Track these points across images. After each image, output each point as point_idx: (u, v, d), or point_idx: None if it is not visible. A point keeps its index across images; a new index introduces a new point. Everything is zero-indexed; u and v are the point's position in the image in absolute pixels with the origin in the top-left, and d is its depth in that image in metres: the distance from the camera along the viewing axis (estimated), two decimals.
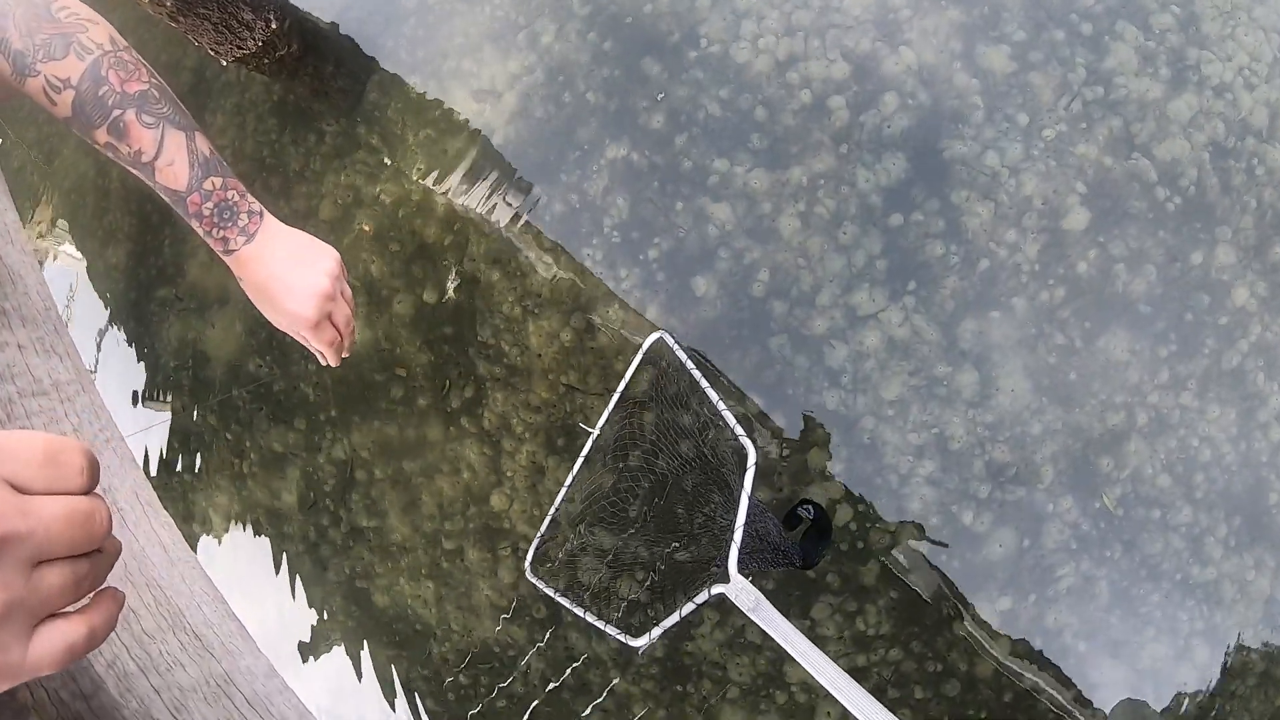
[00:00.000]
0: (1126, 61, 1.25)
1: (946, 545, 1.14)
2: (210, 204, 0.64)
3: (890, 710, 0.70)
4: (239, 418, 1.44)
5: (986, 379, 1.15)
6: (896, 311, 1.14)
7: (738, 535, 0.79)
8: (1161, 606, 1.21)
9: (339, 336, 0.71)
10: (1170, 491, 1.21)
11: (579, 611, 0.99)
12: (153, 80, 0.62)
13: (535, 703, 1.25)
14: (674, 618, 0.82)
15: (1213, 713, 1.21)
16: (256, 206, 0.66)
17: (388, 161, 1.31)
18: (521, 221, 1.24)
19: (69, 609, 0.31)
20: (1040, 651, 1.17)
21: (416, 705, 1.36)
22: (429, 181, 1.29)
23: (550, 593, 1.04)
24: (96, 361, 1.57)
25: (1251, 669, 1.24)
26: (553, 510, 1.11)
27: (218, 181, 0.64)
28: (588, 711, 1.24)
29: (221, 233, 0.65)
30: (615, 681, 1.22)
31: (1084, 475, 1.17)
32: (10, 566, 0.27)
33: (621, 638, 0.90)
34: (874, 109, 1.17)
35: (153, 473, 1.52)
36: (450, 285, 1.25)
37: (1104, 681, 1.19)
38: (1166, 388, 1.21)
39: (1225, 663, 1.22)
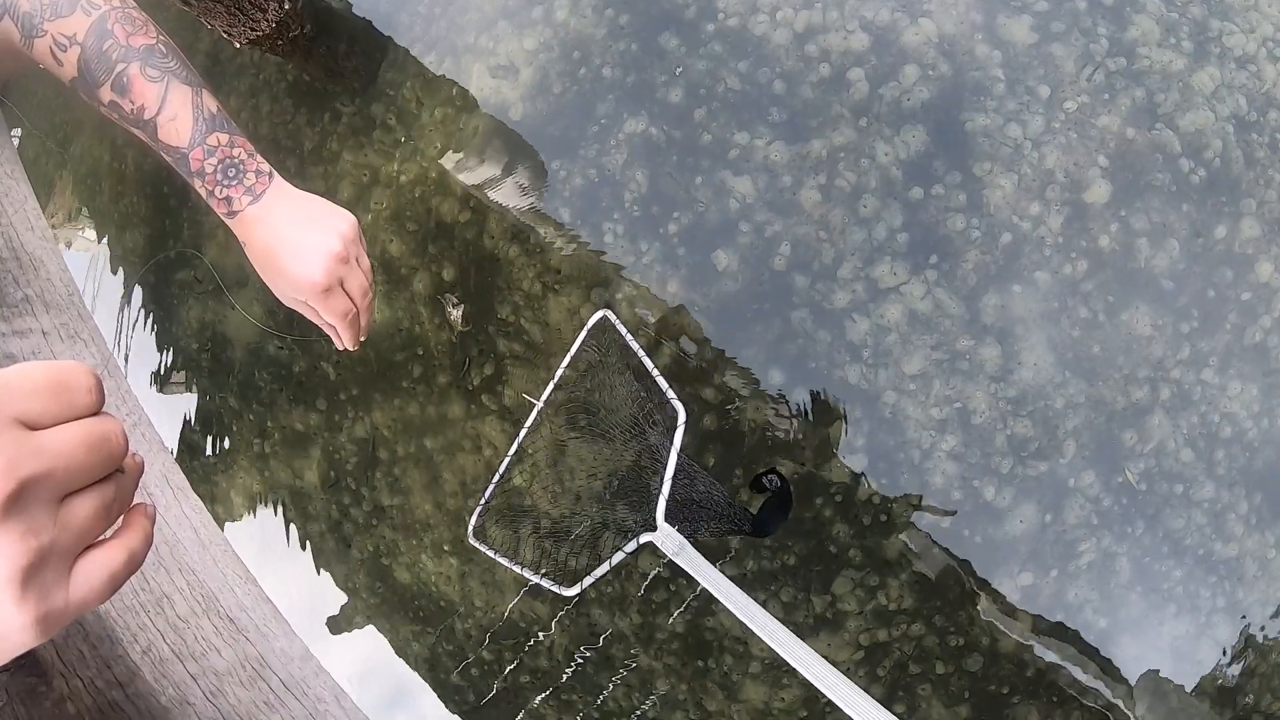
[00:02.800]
0: (1149, 32, 1.23)
1: (969, 520, 1.14)
2: (214, 160, 0.60)
3: (820, 656, 0.73)
4: (260, 398, 1.45)
5: (1009, 353, 1.14)
6: (918, 285, 1.13)
7: (665, 488, 0.85)
8: (1183, 583, 1.21)
9: (353, 307, 0.66)
10: (1193, 467, 1.20)
11: (516, 569, 1.04)
12: (160, 37, 0.61)
13: (559, 677, 1.26)
14: (604, 567, 0.87)
15: (1235, 691, 1.21)
16: (265, 167, 0.62)
17: (404, 140, 1.31)
18: (540, 197, 1.24)
19: (103, 536, 0.30)
20: (1062, 627, 1.16)
21: (441, 680, 1.38)
22: (446, 159, 1.28)
23: (491, 554, 1.08)
24: (123, 346, 1.58)
25: (1274, 648, 1.24)
26: (496, 478, 1.13)
27: (223, 138, 0.60)
28: (611, 686, 1.24)
29: (225, 192, 0.61)
30: (638, 656, 1.23)
31: (1106, 450, 1.17)
32: (37, 510, 0.26)
33: (555, 589, 0.94)
34: (894, 81, 1.16)
35: (177, 455, 1.53)
36: (453, 316, 1.24)
37: (1125, 658, 1.18)
38: (1189, 363, 1.20)
39: (1247, 641, 1.22)
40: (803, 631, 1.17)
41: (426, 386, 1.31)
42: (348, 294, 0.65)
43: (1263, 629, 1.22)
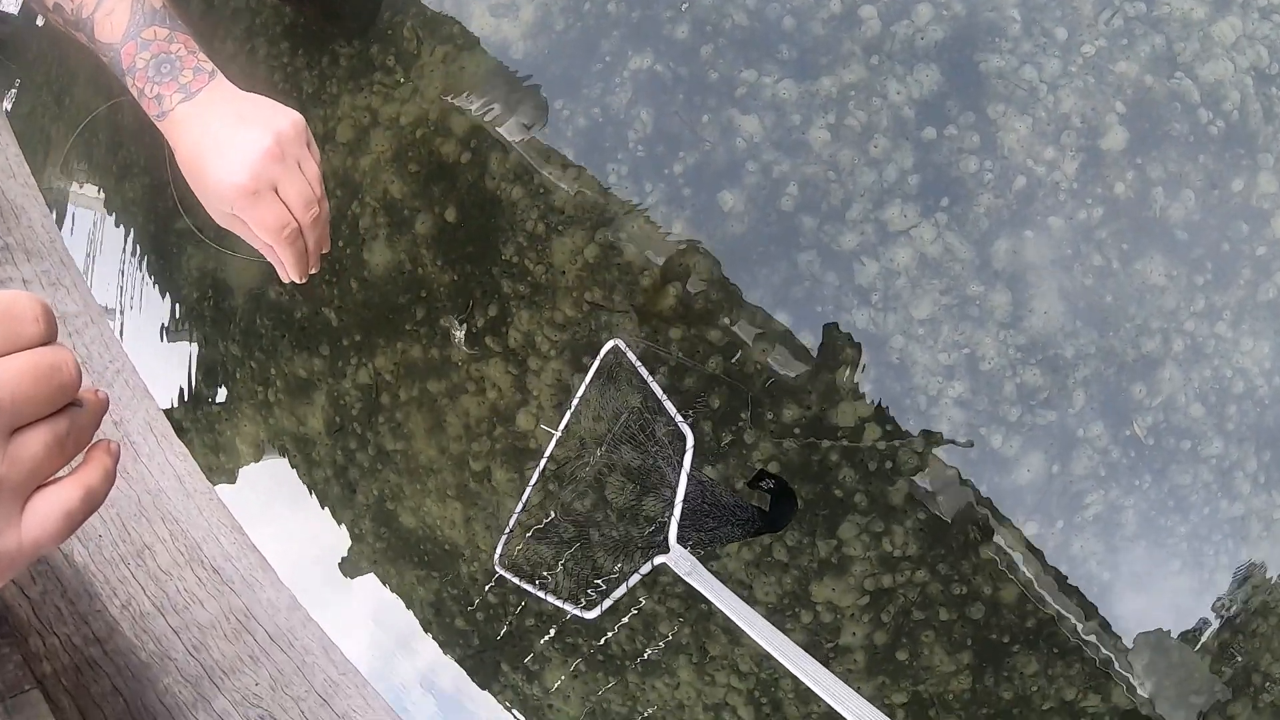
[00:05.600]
0: None
1: (975, 468, 1.13)
2: (147, 54, 0.54)
3: (826, 668, 0.75)
4: (263, 346, 1.45)
5: (1020, 299, 1.12)
6: (929, 228, 1.11)
7: (676, 510, 0.88)
8: (1188, 539, 1.20)
9: (290, 220, 0.55)
10: (1202, 422, 1.19)
11: (543, 595, 1.08)
12: None
13: (563, 620, 1.27)
14: (622, 589, 0.90)
15: (1235, 649, 1.21)
16: (208, 65, 0.55)
17: (403, 81, 1.28)
18: (543, 137, 1.22)
19: (60, 473, 0.28)
20: (1065, 579, 1.16)
21: (446, 625, 1.39)
22: (447, 100, 1.26)
23: (518, 581, 1.12)
24: (124, 296, 1.58)
25: (1274, 608, 1.24)
26: (518, 509, 1.16)
27: (161, 32, 0.54)
28: (615, 630, 1.25)
29: (156, 89, 0.54)
30: (642, 600, 1.23)
31: (1116, 401, 1.15)
32: None
33: (577, 611, 0.98)
34: (907, 19, 1.13)
35: (179, 405, 1.53)
36: (457, 337, 1.23)
37: (1126, 612, 1.18)
38: (1202, 316, 1.19)
39: (1248, 600, 1.21)
40: (808, 575, 1.17)
41: (430, 329, 1.30)
42: (285, 203, 0.55)
43: (1265, 589, 1.22)
